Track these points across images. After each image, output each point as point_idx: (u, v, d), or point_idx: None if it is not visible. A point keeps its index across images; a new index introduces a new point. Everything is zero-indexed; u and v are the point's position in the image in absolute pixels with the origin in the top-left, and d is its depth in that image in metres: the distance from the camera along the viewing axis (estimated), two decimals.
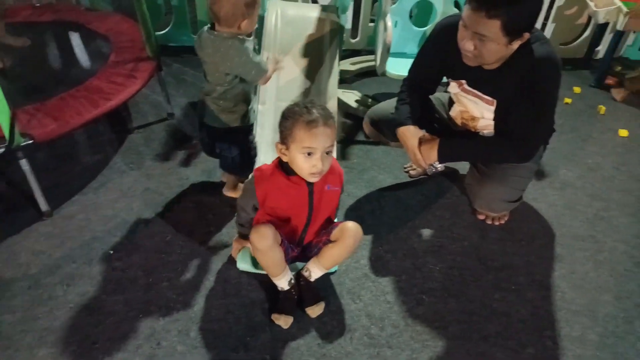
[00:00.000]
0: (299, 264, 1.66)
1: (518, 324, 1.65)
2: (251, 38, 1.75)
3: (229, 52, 1.65)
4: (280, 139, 1.42)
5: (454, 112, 1.99)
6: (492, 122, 1.82)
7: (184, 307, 1.61)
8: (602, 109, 2.89)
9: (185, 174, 2.17)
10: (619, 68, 3.37)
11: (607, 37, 3.28)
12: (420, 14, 2.78)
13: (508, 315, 1.67)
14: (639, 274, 1.86)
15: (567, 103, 2.94)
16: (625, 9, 2.83)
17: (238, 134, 1.82)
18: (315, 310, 1.61)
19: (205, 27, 1.71)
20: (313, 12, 2.25)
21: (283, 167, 1.46)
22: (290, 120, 1.36)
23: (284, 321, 1.57)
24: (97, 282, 1.67)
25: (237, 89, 1.74)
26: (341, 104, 2.59)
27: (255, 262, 1.65)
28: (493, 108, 1.76)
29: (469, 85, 1.79)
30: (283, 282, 1.57)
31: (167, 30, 3.09)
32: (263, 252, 1.48)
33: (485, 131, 1.89)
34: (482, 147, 1.82)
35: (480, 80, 1.73)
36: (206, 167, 2.20)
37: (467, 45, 1.55)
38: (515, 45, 1.54)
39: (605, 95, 3.08)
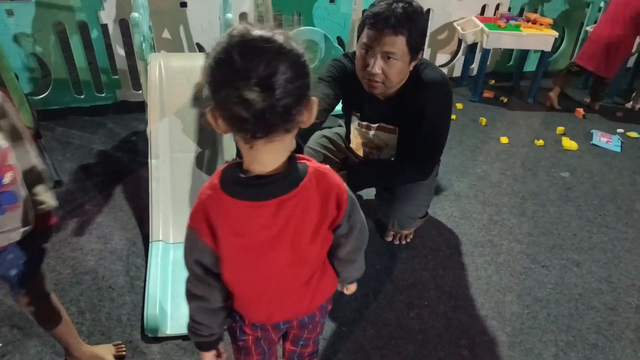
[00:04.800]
0: None
1: (434, 338, 1.69)
2: None
3: None
4: None
5: (354, 144, 2.06)
6: (396, 149, 1.91)
7: None
8: (483, 120, 3.14)
9: (79, 243, 2.02)
10: (492, 82, 3.70)
11: (478, 56, 3.60)
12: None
13: (424, 332, 1.71)
14: (535, 269, 2.01)
15: (452, 119, 3.15)
16: (487, 30, 3.14)
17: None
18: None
19: None
20: (198, 61, 2.23)
21: None
22: None
23: None
24: None
25: None
26: None
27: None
28: (396, 136, 1.86)
29: (370, 120, 1.87)
30: None
31: (46, 93, 2.92)
32: None
33: (392, 158, 1.96)
34: (387, 172, 1.88)
35: (380, 111, 1.82)
36: (102, 234, 2.07)
37: (375, 68, 1.60)
38: (412, 66, 1.65)
39: (484, 108, 3.35)
